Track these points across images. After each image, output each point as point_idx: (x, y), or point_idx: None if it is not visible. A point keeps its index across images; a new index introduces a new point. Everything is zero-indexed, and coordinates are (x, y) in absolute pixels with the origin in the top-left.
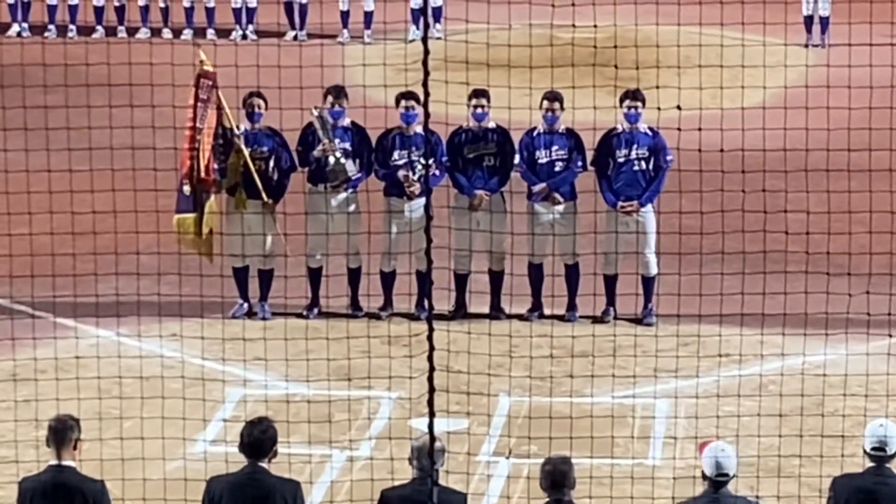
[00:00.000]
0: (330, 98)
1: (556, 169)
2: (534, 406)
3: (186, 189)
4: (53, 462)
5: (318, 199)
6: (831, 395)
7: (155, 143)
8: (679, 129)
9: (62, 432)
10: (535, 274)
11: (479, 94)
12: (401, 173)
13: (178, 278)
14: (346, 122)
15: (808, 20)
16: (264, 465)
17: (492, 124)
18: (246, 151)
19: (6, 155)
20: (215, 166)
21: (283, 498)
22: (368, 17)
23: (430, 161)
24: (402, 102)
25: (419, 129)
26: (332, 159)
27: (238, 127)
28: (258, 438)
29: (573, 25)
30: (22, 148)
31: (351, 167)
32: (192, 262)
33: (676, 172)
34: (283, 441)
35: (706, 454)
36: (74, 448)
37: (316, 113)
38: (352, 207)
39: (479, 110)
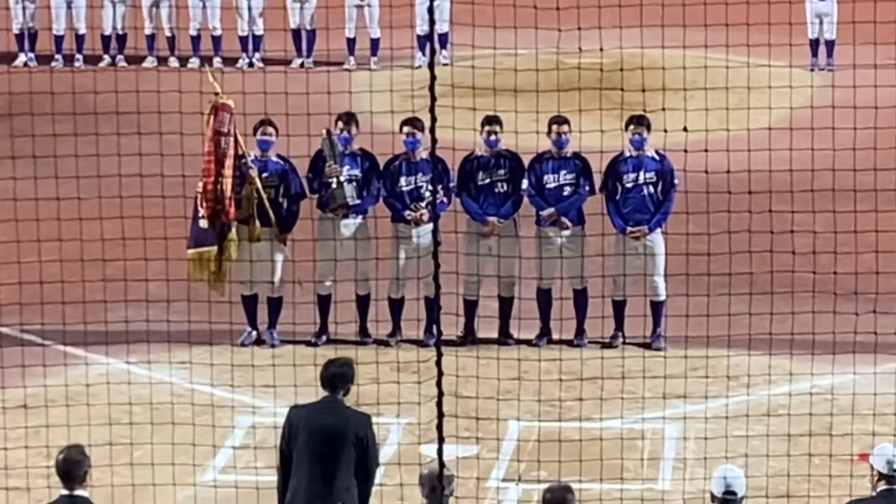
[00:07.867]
0: (340, 124)
1: (565, 193)
2: (543, 431)
3: (203, 222)
4: (65, 492)
5: (327, 225)
6: (840, 417)
7: (163, 170)
8: (685, 152)
9: (71, 471)
10: (544, 299)
11: (492, 120)
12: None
13: (186, 306)
14: (355, 148)
15: (814, 43)
16: (339, 397)
17: (503, 149)
18: (258, 182)
19: (15, 183)
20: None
21: (356, 427)
22: (375, 43)
23: (438, 187)
24: (405, 129)
25: (425, 154)
26: (334, 183)
27: (249, 154)
28: (334, 374)
29: (579, 50)
30: (31, 176)
31: (351, 192)
32: (200, 289)
33: (683, 195)
34: None
35: (715, 475)
36: (84, 478)
37: (325, 135)
38: (361, 234)
39: (492, 137)
